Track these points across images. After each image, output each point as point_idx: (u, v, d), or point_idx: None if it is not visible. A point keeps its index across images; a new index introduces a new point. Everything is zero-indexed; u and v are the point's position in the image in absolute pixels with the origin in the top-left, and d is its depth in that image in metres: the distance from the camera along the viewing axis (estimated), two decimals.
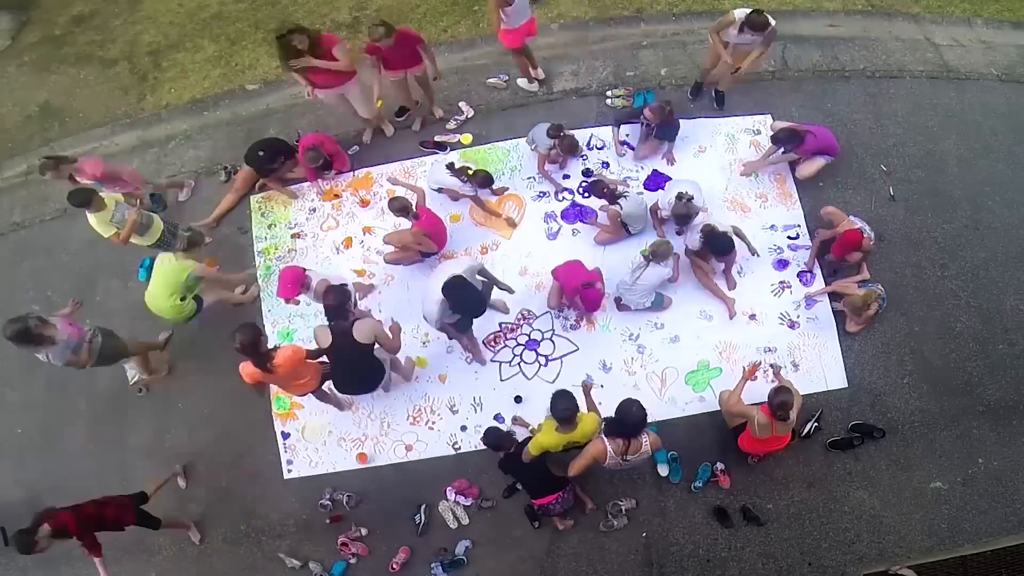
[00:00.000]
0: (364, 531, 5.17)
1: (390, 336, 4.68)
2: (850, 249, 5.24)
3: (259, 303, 5.88)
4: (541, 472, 4.64)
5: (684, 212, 5.21)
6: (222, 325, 5.64)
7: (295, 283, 4.94)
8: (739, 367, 5.35)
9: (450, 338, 5.36)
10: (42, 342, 4.72)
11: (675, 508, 5.11)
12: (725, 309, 5.51)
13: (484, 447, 5.14)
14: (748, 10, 5.33)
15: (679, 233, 5.50)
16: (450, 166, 5.74)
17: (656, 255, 5.10)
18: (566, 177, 6.08)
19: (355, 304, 5.02)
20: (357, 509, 5.23)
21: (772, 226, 5.80)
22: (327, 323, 4.55)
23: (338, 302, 4.52)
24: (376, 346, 4.57)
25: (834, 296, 5.44)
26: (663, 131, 5.91)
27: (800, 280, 5.62)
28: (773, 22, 5.35)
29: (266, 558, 5.22)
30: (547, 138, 5.71)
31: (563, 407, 4.08)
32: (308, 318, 5.75)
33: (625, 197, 5.46)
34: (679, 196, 5.22)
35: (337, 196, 6.18)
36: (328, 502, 5.23)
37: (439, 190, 5.84)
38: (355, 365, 4.65)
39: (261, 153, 5.85)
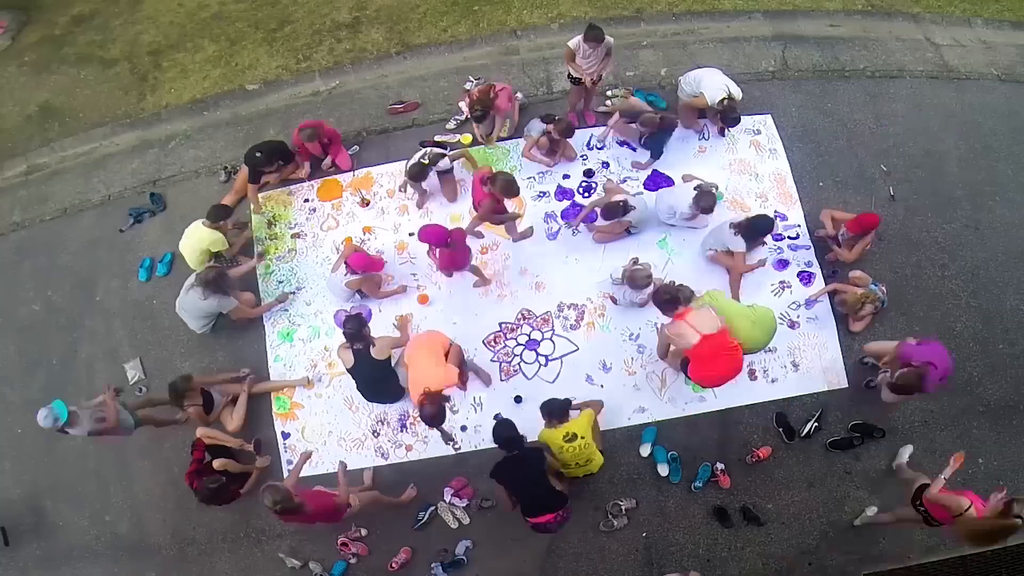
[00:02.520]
0: (364, 531, 5.17)
1: (400, 338, 5.15)
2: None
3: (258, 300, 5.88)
4: (540, 484, 4.31)
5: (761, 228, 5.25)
6: (224, 329, 5.67)
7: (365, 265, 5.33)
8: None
9: None
10: (229, 288, 5.32)
11: (675, 508, 5.11)
12: None
13: (484, 447, 5.15)
14: (719, 97, 5.53)
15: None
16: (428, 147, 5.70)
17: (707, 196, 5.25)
18: (566, 177, 6.08)
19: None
20: (360, 510, 5.23)
21: None
22: (348, 344, 4.90)
23: (355, 329, 4.85)
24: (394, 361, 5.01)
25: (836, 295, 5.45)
26: (650, 142, 5.90)
27: (800, 280, 5.62)
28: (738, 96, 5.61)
29: (266, 558, 5.22)
30: (540, 123, 5.75)
31: (550, 406, 4.51)
32: (308, 317, 5.76)
33: (634, 208, 5.47)
34: (732, 224, 5.25)
35: (337, 196, 6.19)
36: None
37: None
38: (377, 380, 5.07)
39: (258, 154, 5.86)
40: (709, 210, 5.41)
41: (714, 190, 5.42)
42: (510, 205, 6.01)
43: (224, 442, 5.14)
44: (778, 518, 5.07)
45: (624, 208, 5.42)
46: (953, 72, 6.55)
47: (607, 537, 5.06)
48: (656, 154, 5.97)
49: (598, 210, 5.70)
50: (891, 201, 5.90)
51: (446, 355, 4.83)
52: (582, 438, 4.39)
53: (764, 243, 5.61)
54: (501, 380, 5.47)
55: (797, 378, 5.35)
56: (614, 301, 5.55)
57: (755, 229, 5.21)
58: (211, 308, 5.36)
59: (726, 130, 6.08)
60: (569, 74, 5.79)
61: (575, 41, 5.47)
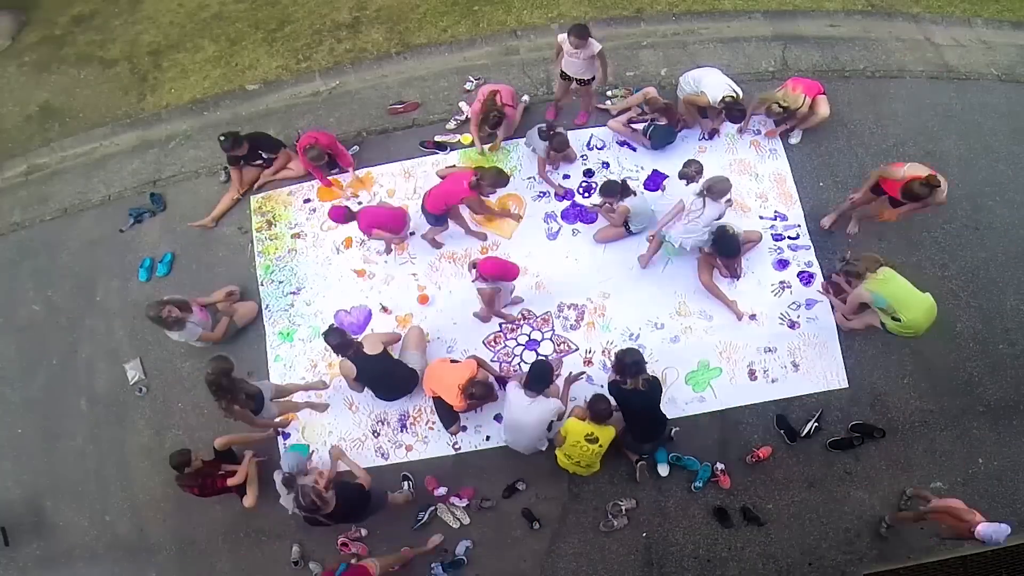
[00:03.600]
0: (364, 531, 5.17)
1: (390, 335, 5.28)
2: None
3: (258, 300, 5.88)
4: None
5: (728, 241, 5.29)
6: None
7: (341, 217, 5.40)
8: (739, 367, 5.38)
9: None
10: (171, 326, 5.19)
11: (675, 508, 5.12)
12: (726, 309, 5.51)
13: (484, 447, 5.17)
14: (721, 95, 5.60)
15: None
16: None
17: (712, 191, 5.09)
18: (566, 177, 6.08)
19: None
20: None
21: (772, 226, 5.80)
22: (342, 359, 4.95)
23: (339, 340, 4.90)
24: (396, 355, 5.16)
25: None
26: (655, 134, 5.89)
27: (800, 280, 5.62)
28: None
29: (266, 558, 5.22)
30: (540, 139, 5.65)
31: (603, 407, 4.52)
32: (308, 317, 5.77)
33: (635, 193, 5.47)
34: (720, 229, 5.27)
35: (338, 196, 6.18)
36: None
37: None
38: (384, 374, 5.05)
39: (228, 142, 5.78)
40: (696, 176, 5.28)
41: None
42: (511, 207, 6.04)
43: (246, 439, 5.18)
44: (778, 518, 5.07)
45: (623, 189, 5.40)
46: (953, 72, 6.54)
47: (607, 537, 5.06)
48: (656, 146, 5.94)
49: (598, 207, 5.71)
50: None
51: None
52: (600, 445, 4.54)
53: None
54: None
55: (797, 378, 5.35)
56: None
57: (719, 245, 5.26)
58: (180, 340, 5.33)
59: (718, 133, 6.12)
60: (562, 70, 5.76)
61: (561, 36, 5.49)
